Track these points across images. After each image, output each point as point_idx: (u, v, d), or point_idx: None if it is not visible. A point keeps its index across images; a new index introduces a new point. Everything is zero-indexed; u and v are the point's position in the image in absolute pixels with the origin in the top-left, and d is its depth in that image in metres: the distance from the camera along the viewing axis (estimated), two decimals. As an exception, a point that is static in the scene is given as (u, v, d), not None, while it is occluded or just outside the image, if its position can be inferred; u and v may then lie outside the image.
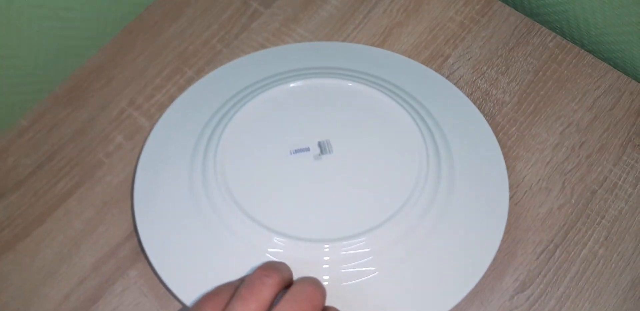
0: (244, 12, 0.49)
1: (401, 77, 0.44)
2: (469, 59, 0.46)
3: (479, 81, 0.45)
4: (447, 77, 0.45)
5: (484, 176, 0.40)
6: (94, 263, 0.41)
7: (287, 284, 0.33)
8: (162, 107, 0.46)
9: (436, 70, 0.46)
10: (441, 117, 0.41)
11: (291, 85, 0.42)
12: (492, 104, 0.44)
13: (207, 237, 0.38)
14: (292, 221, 0.37)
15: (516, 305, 0.38)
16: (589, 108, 0.44)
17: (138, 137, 0.45)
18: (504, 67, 0.45)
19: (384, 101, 0.41)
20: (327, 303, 0.34)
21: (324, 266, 0.36)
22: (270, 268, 0.32)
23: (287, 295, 0.30)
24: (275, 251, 0.36)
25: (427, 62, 0.46)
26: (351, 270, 0.36)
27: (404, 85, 0.43)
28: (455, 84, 0.45)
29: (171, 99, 0.46)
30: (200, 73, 0.47)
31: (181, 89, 0.46)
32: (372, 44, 0.47)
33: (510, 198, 0.41)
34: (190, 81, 0.47)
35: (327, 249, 0.36)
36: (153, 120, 0.45)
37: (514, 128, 0.43)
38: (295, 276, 0.35)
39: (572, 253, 0.39)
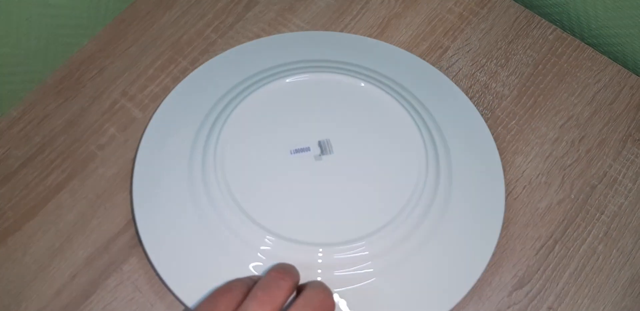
0: (239, 1, 0.48)
1: (400, 72, 0.43)
2: (468, 51, 0.45)
3: (478, 74, 0.45)
4: (445, 70, 0.45)
5: (481, 177, 0.40)
6: (87, 257, 0.40)
7: (296, 287, 0.33)
8: (155, 98, 0.45)
9: (435, 62, 0.45)
10: (439, 116, 0.41)
11: (288, 80, 0.41)
12: (491, 97, 0.44)
13: (203, 232, 0.38)
14: (287, 222, 0.37)
15: (515, 301, 0.38)
16: (588, 102, 0.43)
17: (131, 129, 0.44)
18: (503, 60, 0.45)
19: (384, 99, 0.40)
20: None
21: (317, 270, 0.36)
22: (285, 271, 0.32)
23: (301, 300, 0.30)
24: (266, 249, 0.36)
25: (425, 55, 0.45)
26: (345, 273, 0.36)
27: (403, 81, 0.42)
28: (454, 77, 0.44)
29: (165, 89, 0.45)
30: (194, 63, 0.46)
31: (175, 79, 0.45)
32: (370, 35, 0.46)
33: (509, 193, 0.41)
34: (184, 71, 0.46)
35: (320, 253, 0.36)
36: (147, 111, 0.44)
37: (513, 122, 0.43)
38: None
39: (572, 249, 0.39)
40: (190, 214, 0.38)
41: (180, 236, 0.38)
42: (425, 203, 0.37)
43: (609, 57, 0.45)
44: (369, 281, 0.36)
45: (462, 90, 0.44)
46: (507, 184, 0.41)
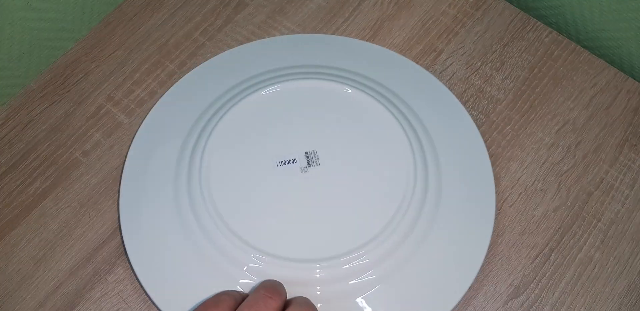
0: (228, 4, 0.47)
1: (393, 77, 0.42)
2: (462, 55, 0.44)
3: (473, 78, 0.44)
4: (439, 74, 0.44)
5: (471, 186, 0.39)
6: (71, 267, 0.39)
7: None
8: (142, 103, 0.44)
9: (428, 66, 0.44)
10: (430, 124, 0.40)
11: (277, 88, 0.40)
12: (486, 102, 0.43)
13: (189, 248, 0.37)
14: (274, 238, 0.36)
15: (510, 311, 0.37)
16: (585, 107, 0.42)
17: (117, 135, 0.43)
18: (498, 64, 0.44)
19: (373, 107, 0.39)
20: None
21: (305, 286, 0.35)
22: (274, 290, 0.32)
23: None
24: (254, 266, 0.35)
25: (419, 58, 0.44)
26: (337, 289, 0.35)
27: (395, 87, 0.41)
28: (447, 80, 0.43)
29: (152, 94, 0.44)
30: (182, 67, 0.45)
31: (162, 84, 0.44)
32: (363, 38, 0.45)
33: (505, 200, 0.40)
34: (171, 76, 0.44)
35: (307, 269, 0.35)
36: (132, 116, 0.43)
37: (508, 127, 0.42)
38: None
39: (568, 257, 0.38)
40: (177, 229, 0.38)
41: (167, 249, 0.38)
42: (412, 215, 0.36)
43: (606, 61, 0.44)
44: (360, 295, 0.35)
45: (457, 94, 0.43)
46: (502, 191, 0.40)
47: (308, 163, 0.38)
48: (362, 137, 0.38)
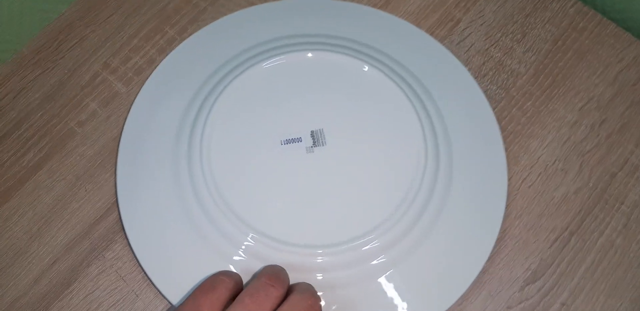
0: (233, -35, 0.44)
1: (406, 52, 0.40)
2: (481, 25, 0.42)
3: (492, 50, 0.41)
4: (457, 45, 0.41)
5: (483, 167, 0.37)
6: (67, 243, 0.37)
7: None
8: (140, 71, 0.41)
9: (445, 36, 0.41)
10: (443, 103, 0.38)
11: (282, 59, 0.38)
12: (506, 76, 0.40)
13: (187, 226, 0.36)
14: (275, 220, 0.34)
15: (526, 296, 0.35)
16: (610, 83, 0.40)
17: (114, 105, 0.40)
18: (519, 35, 0.41)
19: (384, 83, 0.37)
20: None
21: (316, 275, 0.34)
22: (276, 277, 0.30)
23: (286, 306, 0.29)
24: (251, 247, 0.34)
25: (435, 27, 0.42)
26: (343, 274, 0.34)
27: (408, 63, 0.39)
28: (465, 52, 0.41)
29: (150, 62, 0.41)
30: (182, 33, 0.42)
31: (161, 51, 0.42)
32: (374, 5, 0.43)
33: (524, 180, 0.38)
34: (171, 42, 0.42)
35: (308, 255, 0.34)
36: (130, 85, 0.41)
37: (529, 103, 0.40)
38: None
39: (588, 242, 0.36)
40: (175, 205, 0.36)
41: (165, 226, 0.36)
42: (423, 198, 0.34)
43: (633, 34, 0.41)
44: (370, 279, 0.34)
45: (475, 67, 0.40)
46: (520, 171, 0.38)
47: (314, 143, 0.36)
48: (371, 116, 0.36)
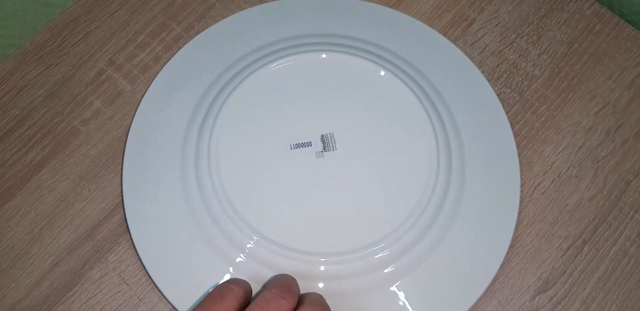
0: (242, -39, 0.43)
1: (419, 54, 0.39)
2: (496, 25, 0.41)
3: (507, 51, 0.40)
4: (471, 45, 0.40)
5: (495, 176, 0.36)
6: (69, 244, 0.37)
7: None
8: (145, 69, 0.40)
9: (459, 37, 0.40)
10: (457, 108, 0.37)
11: (293, 60, 0.37)
12: (520, 79, 0.39)
13: (193, 229, 0.35)
14: (281, 225, 0.33)
15: (537, 306, 0.35)
16: (627, 87, 0.39)
17: (119, 103, 0.40)
18: (535, 37, 0.40)
19: (397, 87, 0.36)
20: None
21: (317, 283, 0.33)
22: (287, 289, 0.29)
23: None
24: (254, 251, 0.33)
25: (448, 28, 0.41)
26: (351, 283, 0.33)
27: (421, 66, 0.38)
28: (479, 53, 0.40)
29: (156, 59, 0.40)
30: (189, 30, 0.41)
31: (168, 48, 0.41)
32: (387, 4, 0.42)
33: (537, 186, 0.37)
34: (177, 40, 0.41)
35: (310, 262, 0.33)
36: (135, 83, 0.40)
37: (543, 107, 0.39)
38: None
39: (602, 251, 0.36)
40: (182, 207, 0.35)
41: (170, 229, 0.35)
42: (434, 206, 0.33)
43: (651, 37, 0.40)
44: (381, 288, 0.33)
45: (488, 69, 0.39)
46: (534, 177, 0.37)
47: (324, 147, 0.35)
48: (383, 120, 0.35)
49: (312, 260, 0.33)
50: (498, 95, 0.38)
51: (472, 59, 0.40)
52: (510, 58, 0.40)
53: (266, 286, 0.30)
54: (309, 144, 0.35)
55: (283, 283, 0.30)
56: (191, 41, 0.40)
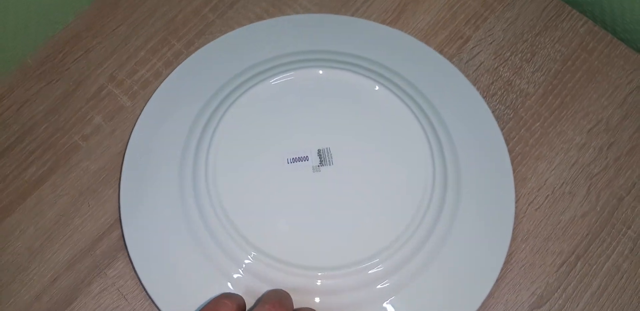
0: (241, -22, 0.44)
1: (415, 70, 0.39)
2: (490, 43, 0.42)
3: (501, 69, 0.41)
4: (466, 63, 0.41)
5: (491, 189, 0.37)
6: (69, 260, 0.37)
7: None
8: (146, 85, 0.41)
9: (454, 54, 0.41)
10: (452, 124, 0.38)
11: (290, 76, 0.38)
12: (514, 96, 0.40)
13: (191, 245, 0.35)
14: (278, 240, 0.34)
15: (532, 321, 0.35)
16: (619, 105, 0.40)
17: (119, 119, 0.40)
18: (529, 54, 0.41)
19: (393, 102, 0.37)
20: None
21: (314, 299, 0.34)
22: (280, 305, 0.30)
23: None
24: (251, 266, 0.34)
25: (444, 45, 0.41)
26: (345, 298, 0.34)
27: (417, 82, 0.39)
28: (474, 71, 0.41)
29: (157, 75, 0.41)
30: (189, 47, 0.42)
31: (168, 64, 0.41)
32: (384, 21, 0.42)
33: (531, 202, 0.38)
34: (178, 56, 0.41)
35: (307, 277, 0.33)
36: (136, 99, 0.40)
37: (537, 124, 0.39)
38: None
39: (595, 266, 0.36)
40: (179, 223, 0.36)
41: (168, 245, 0.36)
42: (429, 222, 0.34)
43: (643, 55, 0.41)
44: (375, 303, 0.34)
45: (483, 86, 0.40)
46: (528, 193, 0.38)
47: (320, 162, 0.35)
48: (380, 135, 0.36)
49: (309, 274, 0.33)
50: (493, 112, 0.39)
51: (467, 76, 0.40)
52: (505, 75, 0.41)
53: (260, 300, 0.30)
54: (306, 158, 0.35)
55: (276, 298, 0.30)
56: (190, 57, 0.40)
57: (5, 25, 0.39)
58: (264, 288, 0.34)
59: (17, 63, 0.41)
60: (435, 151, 0.35)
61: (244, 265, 0.34)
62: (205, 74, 0.40)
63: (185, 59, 0.41)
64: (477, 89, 0.40)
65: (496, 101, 0.40)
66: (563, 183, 0.38)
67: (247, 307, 0.32)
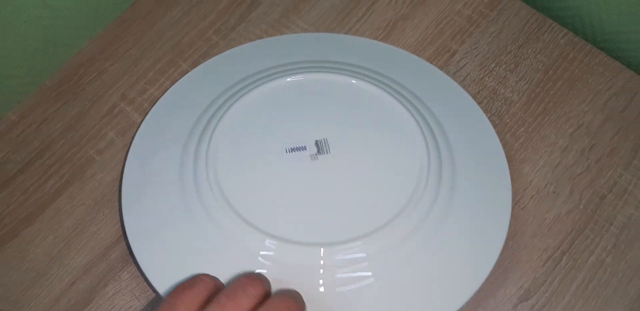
0: (242, 2, 0.47)
1: (405, 75, 0.42)
2: (476, 56, 0.44)
3: (487, 79, 0.43)
4: (453, 75, 0.43)
5: (486, 180, 0.39)
6: (85, 264, 0.40)
7: (266, 297, 0.31)
8: (154, 102, 0.44)
9: (442, 66, 0.44)
10: (444, 119, 0.40)
11: (288, 79, 0.40)
12: (499, 104, 0.43)
13: (198, 239, 0.37)
14: (286, 224, 0.36)
15: (520, 314, 0.37)
16: (600, 109, 0.42)
17: (130, 133, 0.43)
18: (512, 65, 0.44)
19: (386, 100, 0.39)
20: (321, 308, 0.33)
21: (319, 271, 0.35)
22: (255, 277, 0.31)
23: (264, 307, 0.29)
24: (267, 254, 0.35)
25: (432, 58, 0.44)
26: (347, 275, 0.35)
27: (408, 83, 0.41)
28: (461, 81, 0.43)
29: (165, 93, 0.44)
30: (195, 66, 0.45)
31: (175, 83, 0.44)
32: (376, 38, 0.45)
33: (517, 202, 0.40)
34: (184, 75, 0.44)
35: (321, 254, 0.35)
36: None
37: (522, 129, 0.42)
38: (291, 280, 0.35)
39: (579, 261, 0.38)
40: (184, 220, 0.37)
41: (175, 244, 0.37)
42: (424, 207, 0.36)
43: (622, 63, 0.43)
44: (367, 283, 0.35)
45: (470, 95, 0.43)
46: (514, 194, 0.40)
47: (318, 151, 0.38)
48: (375, 129, 0.38)
49: (310, 250, 0.35)
50: (480, 119, 0.42)
51: (455, 86, 0.43)
52: (490, 85, 0.43)
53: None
54: (304, 148, 0.38)
55: (250, 273, 0.31)
56: (192, 71, 0.44)
57: (26, 51, 0.43)
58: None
59: (36, 85, 0.45)
60: (431, 145, 0.37)
61: (259, 255, 0.35)
62: (206, 83, 0.43)
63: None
64: (465, 97, 0.43)
65: (482, 108, 0.42)
66: (547, 183, 0.40)
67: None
